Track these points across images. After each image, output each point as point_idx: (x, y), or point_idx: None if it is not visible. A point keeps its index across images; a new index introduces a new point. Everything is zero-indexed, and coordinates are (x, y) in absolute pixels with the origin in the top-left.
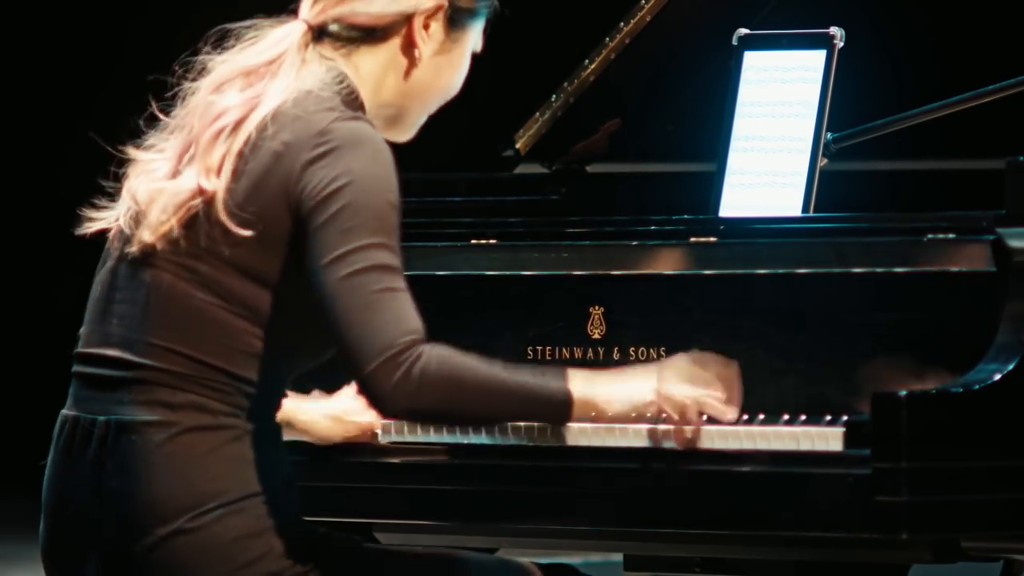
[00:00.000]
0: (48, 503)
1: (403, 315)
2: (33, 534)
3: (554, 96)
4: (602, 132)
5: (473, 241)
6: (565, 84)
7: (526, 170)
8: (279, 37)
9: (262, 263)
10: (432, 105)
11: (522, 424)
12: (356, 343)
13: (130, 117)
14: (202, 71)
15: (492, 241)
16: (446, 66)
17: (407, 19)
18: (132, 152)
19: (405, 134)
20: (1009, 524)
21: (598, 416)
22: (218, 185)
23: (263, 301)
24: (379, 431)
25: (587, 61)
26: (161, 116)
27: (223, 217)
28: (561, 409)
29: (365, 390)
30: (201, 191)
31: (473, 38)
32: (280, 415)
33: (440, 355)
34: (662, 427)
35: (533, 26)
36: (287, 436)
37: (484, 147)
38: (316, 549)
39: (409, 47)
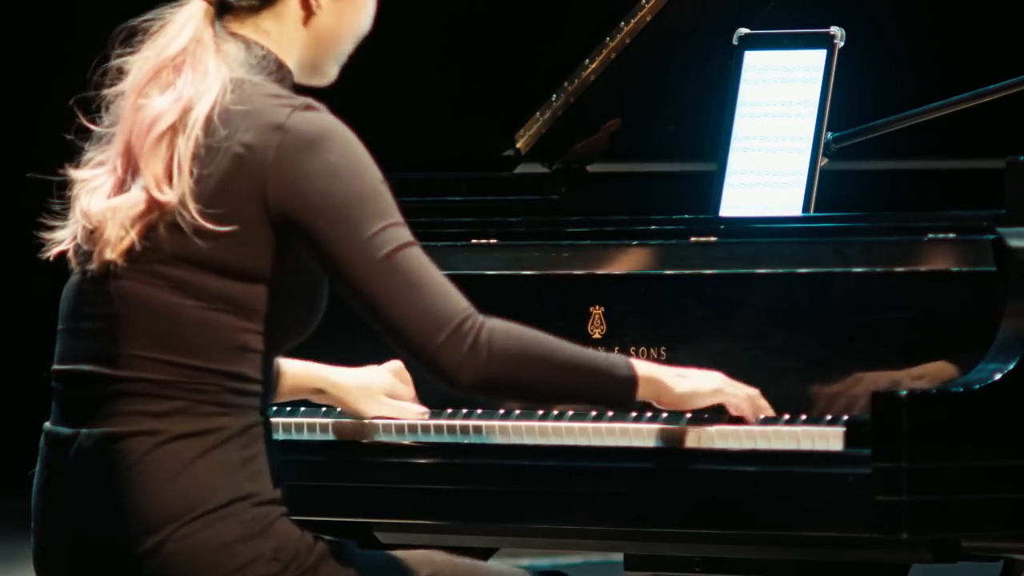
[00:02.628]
0: (37, 515)
1: (449, 288)
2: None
3: (554, 96)
4: (602, 132)
5: (473, 241)
6: (565, 84)
7: (526, 170)
8: (182, 21)
9: (235, 258)
10: (346, 47)
11: (536, 424)
12: (418, 321)
13: (64, 137)
14: (120, 74)
15: (492, 241)
16: (347, 7)
17: None
18: (72, 173)
19: (325, 79)
20: (1009, 524)
21: (660, 400)
22: (173, 194)
23: (241, 293)
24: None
25: (587, 61)
26: (91, 129)
27: (196, 219)
28: (627, 384)
29: (434, 365)
30: (155, 202)
31: None
32: (313, 382)
33: (503, 325)
34: (667, 426)
35: (534, 26)
36: (317, 400)
37: (484, 147)
38: (306, 552)
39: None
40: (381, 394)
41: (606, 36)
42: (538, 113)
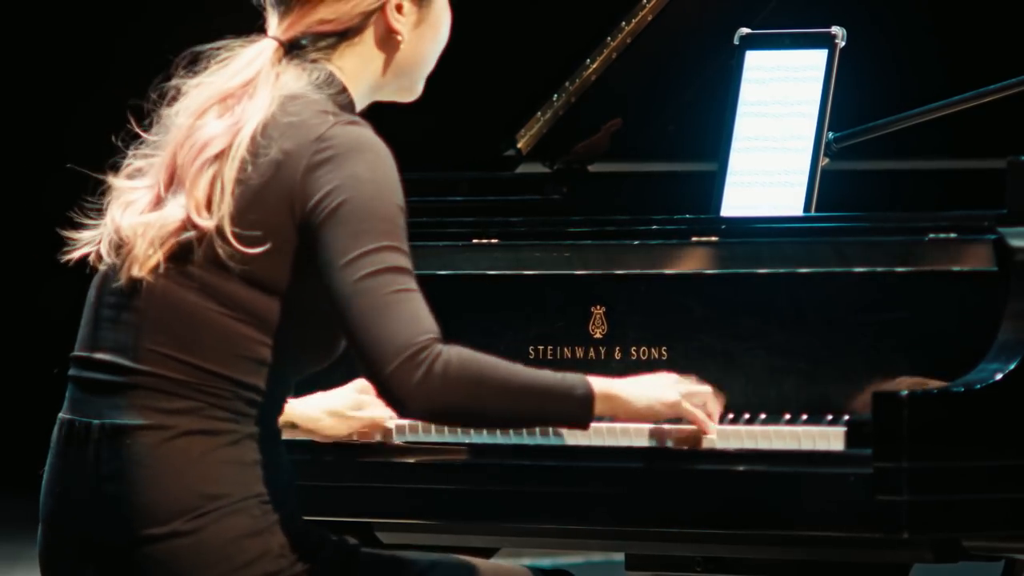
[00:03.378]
0: (46, 507)
1: (419, 315)
2: (35, 535)
3: (556, 95)
4: (604, 131)
5: (475, 241)
6: (567, 83)
7: (528, 169)
8: (251, 57)
9: (266, 272)
10: (430, 64)
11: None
12: (374, 344)
13: (109, 141)
14: (177, 95)
15: (494, 241)
16: (428, 31)
17: (378, 9)
18: (112, 180)
19: (413, 96)
20: (1010, 523)
21: (617, 416)
22: (212, 220)
23: (267, 307)
24: (392, 426)
25: (589, 60)
26: (140, 141)
27: (232, 243)
28: (584, 404)
29: (385, 391)
30: (194, 225)
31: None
32: (282, 418)
33: (460, 353)
34: (668, 426)
35: (534, 26)
36: (292, 437)
37: (486, 146)
38: (314, 550)
39: (389, 34)
40: (349, 412)
41: (607, 36)
42: (539, 113)
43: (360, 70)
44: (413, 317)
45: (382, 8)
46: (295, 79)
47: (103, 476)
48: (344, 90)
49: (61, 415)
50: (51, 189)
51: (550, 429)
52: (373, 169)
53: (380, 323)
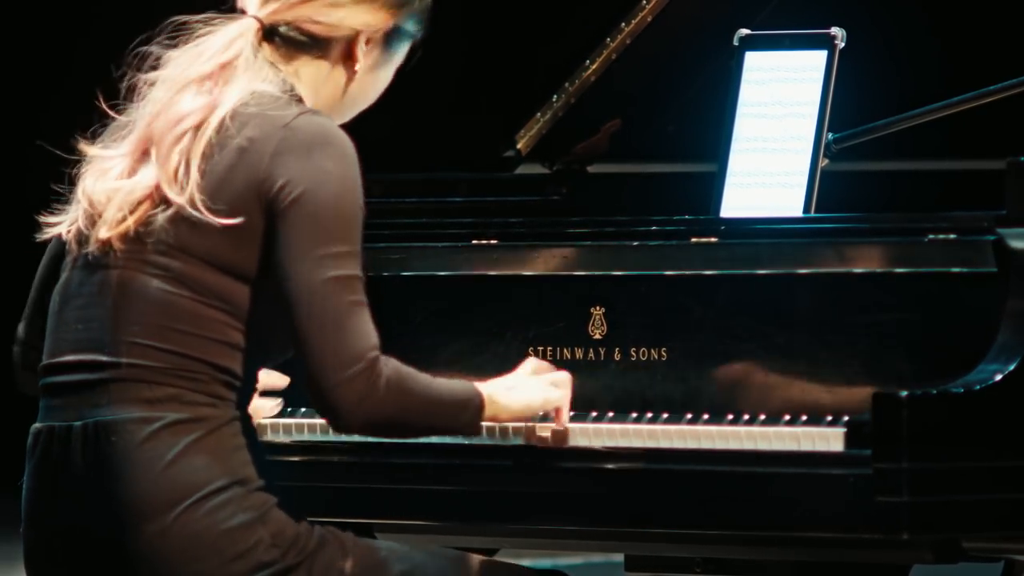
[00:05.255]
0: (29, 516)
1: (369, 329)
2: None
3: (555, 96)
4: (603, 132)
5: (474, 241)
6: (566, 84)
7: (527, 170)
8: (232, 36)
9: (234, 256)
10: (360, 107)
11: (536, 425)
12: (326, 354)
13: (83, 114)
14: (156, 63)
15: (493, 241)
16: (372, 82)
17: (355, 35)
18: (86, 148)
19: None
20: (1010, 524)
21: (499, 418)
22: (183, 195)
23: (236, 292)
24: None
25: (588, 61)
26: (112, 113)
27: (203, 212)
28: (477, 408)
29: (326, 401)
30: (163, 198)
31: (400, 58)
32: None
33: (394, 367)
34: (669, 427)
35: (534, 26)
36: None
37: (485, 147)
38: (305, 538)
39: (348, 61)
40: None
41: (607, 36)
42: (539, 114)
43: (312, 87)
44: (366, 332)
45: (357, 35)
46: (266, 78)
47: (89, 477)
48: (302, 101)
49: (36, 425)
50: (28, 177)
51: (549, 428)
52: (339, 165)
53: (335, 334)
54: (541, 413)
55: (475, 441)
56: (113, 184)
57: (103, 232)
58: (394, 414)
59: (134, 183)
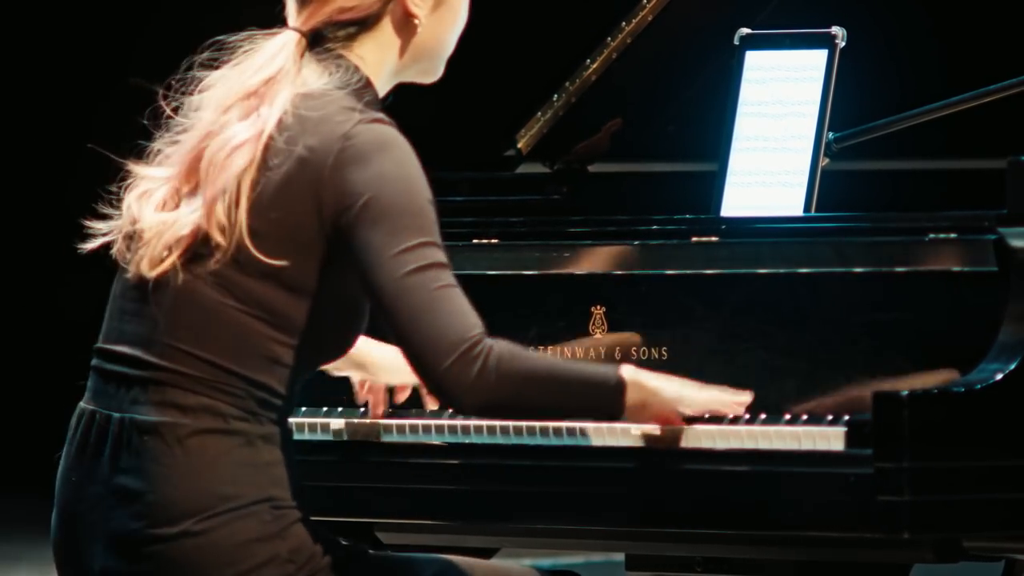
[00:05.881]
0: (61, 494)
1: (466, 310)
2: (38, 533)
3: (556, 95)
4: (604, 131)
5: (475, 241)
6: (567, 83)
7: (528, 170)
8: (274, 51)
9: (288, 270)
10: (450, 45)
11: (537, 424)
12: (427, 342)
13: (131, 131)
14: (199, 85)
15: (494, 241)
16: (447, 13)
17: None
18: (133, 167)
19: (433, 77)
20: (1011, 524)
21: (647, 405)
22: (229, 239)
23: (284, 305)
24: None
25: (589, 60)
26: (161, 130)
27: (254, 254)
28: (616, 392)
29: (441, 387)
30: (207, 235)
31: None
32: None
33: (509, 347)
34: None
35: (535, 25)
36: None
37: (486, 147)
38: (322, 555)
39: (407, 18)
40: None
41: (607, 36)
42: (539, 113)
43: (381, 58)
44: (461, 312)
45: None
46: (317, 76)
47: (119, 470)
48: (368, 84)
49: (82, 404)
50: (74, 183)
51: (549, 429)
52: (400, 166)
53: (430, 320)
54: (699, 412)
55: (476, 439)
56: (159, 217)
57: (145, 270)
58: (511, 395)
59: (179, 219)
